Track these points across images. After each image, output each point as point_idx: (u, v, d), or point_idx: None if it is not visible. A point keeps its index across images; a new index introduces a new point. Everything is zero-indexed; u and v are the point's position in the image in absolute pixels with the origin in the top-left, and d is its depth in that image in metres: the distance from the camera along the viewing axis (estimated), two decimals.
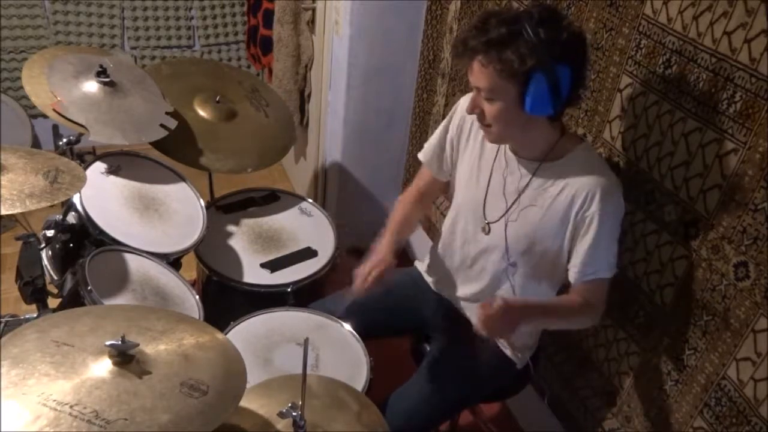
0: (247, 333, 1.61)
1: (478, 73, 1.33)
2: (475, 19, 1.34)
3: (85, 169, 1.76)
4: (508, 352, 1.63)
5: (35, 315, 1.66)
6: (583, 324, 1.54)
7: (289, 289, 1.86)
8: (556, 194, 1.42)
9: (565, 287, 1.53)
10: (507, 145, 1.50)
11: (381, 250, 1.60)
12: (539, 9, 1.30)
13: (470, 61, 1.34)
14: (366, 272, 1.54)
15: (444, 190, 1.77)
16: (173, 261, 1.77)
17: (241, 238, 2.01)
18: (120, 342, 1.02)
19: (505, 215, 1.50)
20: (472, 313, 1.66)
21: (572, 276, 1.45)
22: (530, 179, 1.46)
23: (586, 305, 1.45)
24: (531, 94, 1.29)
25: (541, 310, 1.48)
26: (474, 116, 1.42)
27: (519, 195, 1.48)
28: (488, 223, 1.54)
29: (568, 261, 1.45)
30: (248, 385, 1.15)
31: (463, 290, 1.67)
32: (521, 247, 1.50)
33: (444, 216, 1.75)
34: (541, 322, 1.56)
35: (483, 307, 1.32)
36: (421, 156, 1.72)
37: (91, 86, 1.80)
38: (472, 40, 1.31)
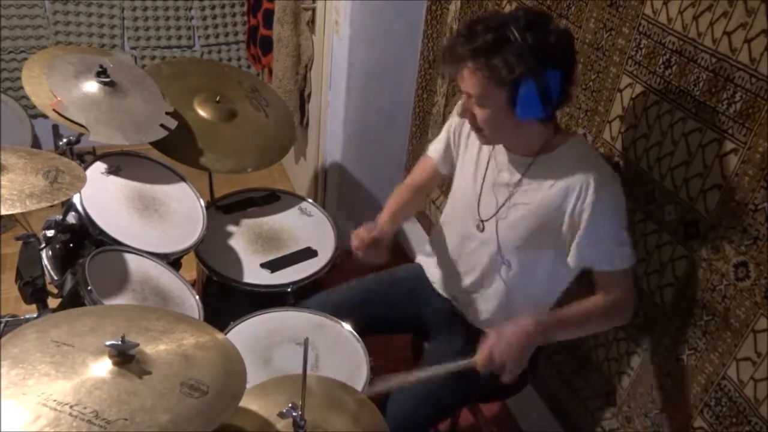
0: (247, 333, 1.61)
1: (468, 80, 1.34)
2: (462, 26, 1.35)
3: (85, 169, 1.76)
4: None
5: (35, 315, 1.66)
6: (616, 323, 1.51)
7: (289, 289, 1.86)
8: (547, 189, 1.41)
9: (579, 290, 1.52)
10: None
11: (379, 221, 1.66)
12: (525, 13, 1.30)
13: (459, 68, 1.34)
14: (362, 235, 1.60)
15: (439, 183, 1.79)
16: (173, 261, 1.77)
17: (241, 238, 2.01)
18: (120, 342, 1.01)
19: (497, 213, 1.51)
20: (469, 309, 1.66)
21: (573, 263, 1.42)
22: (521, 177, 1.46)
23: (614, 301, 1.43)
24: (521, 99, 1.29)
25: (556, 324, 1.45)
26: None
27: (510, 193, 1.48)
28: (482, 221, 1.54)
29: (569, 254, 1.43)
30: (248, 385, 1.15)
31: (459, 284, 1.67)
32: (514, 245, 1.50)
33: (440, 210, 1.76)
34: (559, 335, 1.52)
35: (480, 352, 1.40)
36: (430, 149, 1.75)
37: (91, 86, 1.80)
38: (460, 48, 1.31)
